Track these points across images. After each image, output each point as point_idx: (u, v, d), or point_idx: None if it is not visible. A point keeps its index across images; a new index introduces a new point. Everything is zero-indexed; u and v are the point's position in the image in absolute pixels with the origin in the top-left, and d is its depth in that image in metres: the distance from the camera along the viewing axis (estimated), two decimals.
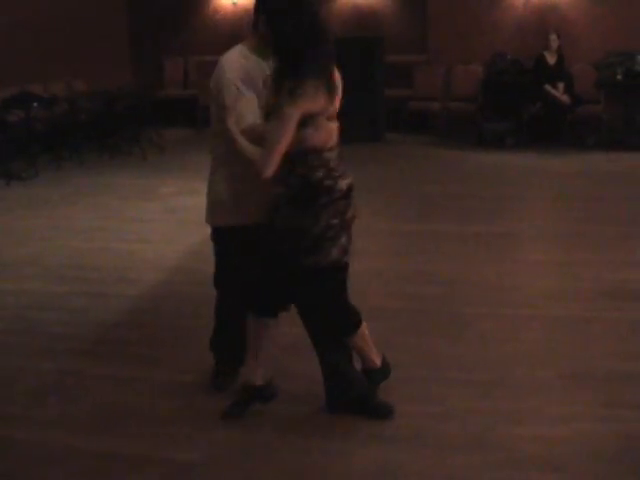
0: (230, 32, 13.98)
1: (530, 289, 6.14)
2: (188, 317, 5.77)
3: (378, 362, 4.36)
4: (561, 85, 11.98)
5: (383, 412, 4.25)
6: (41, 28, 12.55)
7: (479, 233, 7.64)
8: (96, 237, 7.95)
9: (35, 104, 11.25)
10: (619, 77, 11.76)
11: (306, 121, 3.75)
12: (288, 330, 4.62)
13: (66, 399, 4.63)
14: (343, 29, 12.82)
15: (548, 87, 11.92)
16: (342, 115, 3.95)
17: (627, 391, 4.47)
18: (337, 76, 3.87)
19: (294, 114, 3.69)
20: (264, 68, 4.14)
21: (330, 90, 3.79)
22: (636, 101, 12.05)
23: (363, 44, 12.38)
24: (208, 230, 4.45)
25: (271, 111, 3.84)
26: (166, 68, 15.21)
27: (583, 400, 4.40)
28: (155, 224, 8.39)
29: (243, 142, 3.91)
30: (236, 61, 4.08)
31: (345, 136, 4.02)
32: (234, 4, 14.69)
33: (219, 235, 4.39)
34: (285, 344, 4.87)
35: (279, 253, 3.98)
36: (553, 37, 11.94)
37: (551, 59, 12.04)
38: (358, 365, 4.36)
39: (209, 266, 4.53)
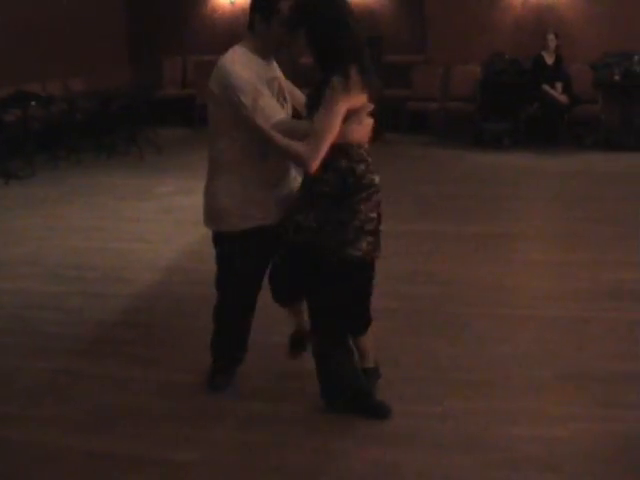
0: (228, 31, 13.96)
1: (528, 289, 6.14)
2: (185, 317, 5.76)
3: (373, 362, 4.37)
4: (559, 85, 11.98)
5: (381, 412, 4.25)
6: (39, 27, 12.53)
7: (477, 233, 7.64)
8: (93, 237, 7.94)
9: (32, 103, 11.23)
10: (617, 77, 11.76)
11: (349, 116, 3.81)
12: (287, 330, 4.62)
13: (63, 399, 4.63)
14: None
15: (546, 87, 11.92)
16: None
17: (625, 391, 4.47)
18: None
19: (342, 109, 3.76)
20: (266, 68, 4.13)
21: (369, 86, 3.84)
22: (634, 101, 12.05)
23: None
24: (205, 230, 4.43)
25: (310, 109, 3.88)
26: (164, 67, 15.18)
27: (580, 400, 4.40)
28: (152, 224, 8.38)
29: (280, 137, 3.83)
30: (244, 62, 4.03)
31: None
32: (232, 3, 14.68)
33: (222, 239, 4.34)
34: (283, 343, 4.86)
35: (316, 248, 4.00)
36: (551, 37, 11.94)
37: (549, 59, 12.04)
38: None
39: (206, 266, 4.53)
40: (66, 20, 13.15)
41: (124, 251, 7.40)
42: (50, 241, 7.81)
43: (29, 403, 4.61)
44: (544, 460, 3.84)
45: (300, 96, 4.44)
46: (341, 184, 3.89)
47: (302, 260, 4.06)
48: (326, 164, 3.84)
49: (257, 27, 4.05)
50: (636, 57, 11.70)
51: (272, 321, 4.92)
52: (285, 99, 4.25)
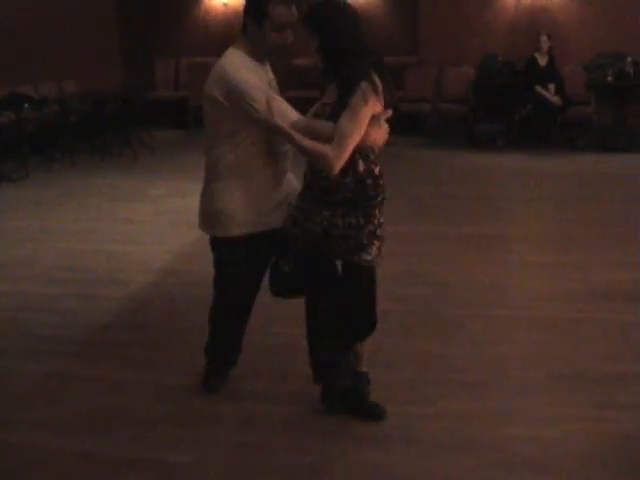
0: (221, 33, 13.98)
1: (521, 290, 6.15)
2: (179, 318, 5.76)
3: (366, 366, 4.37)
4: (552, 86, 11.99)
5: (376, 414, 4.26)
6: (31, 29, 12.51)
7: (470, 234, 7.65)
8: (87, 239, 7.93)
9: (26, 105, 11.21)
10: (609, 79, 11.78)
11: (371, 120, 3.85)
12: (283, 330, 4.62)
13: (56, 401, 4.62)
14: None
15: (539, 88, 11.93)
16: None
17: (618, 392, 4.48)
18: None
19: (369, 112, 3.80)
20: (263, 70, 4.12)
21: (388, 91, 3.90)
22: (626, 103, 12.08)
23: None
24: (199, 232, 4.42)
25: (330, 111, 3.88)
26: (157, 69, 15.17)
27: (574, 401, 4.41)
28: (146, 226, 8.38)
29: (302, 138, 3.80)
30: (247, 66, 4.00)
31: None
32: (225, 5, 14.67)
33: (220, 243, 4.31)
34: (280, 344, 4.87)
35: (328, 251, 4.02)
36: (544, 38, 11.95)
37: (542, 60, 12.05)
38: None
39: (200, 267, 4.53)
40: (59, 22, 13.13)
41: (118, 253, 7.40)
42: (44, 243, 7.81)
43: (22, 405, 4.61)
44: (538, 461, 3.86)
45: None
46: (361, 187, 3.91)
47: (309, 265, 4.07)
48: (345, 168, 3.86)
49: (249, 30, 4.04)
50: (629, 58, 11.71)
51: (267, 322, 4.93)
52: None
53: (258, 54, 4.06)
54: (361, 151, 3.89)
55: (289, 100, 4.42)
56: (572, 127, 12.17)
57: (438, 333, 5.38)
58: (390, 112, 3.96)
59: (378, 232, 3.99)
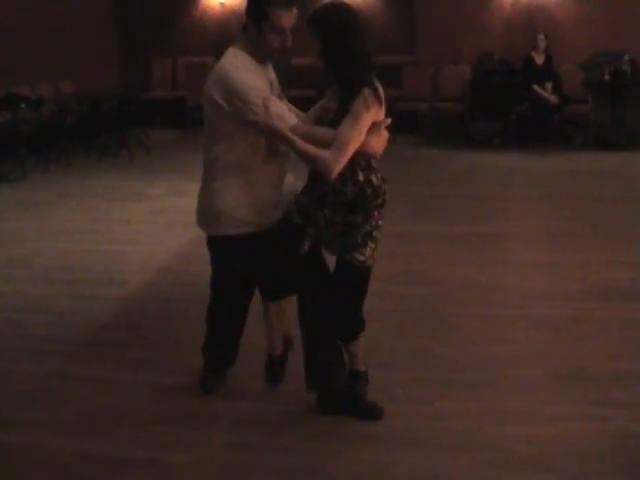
0: (218, 33, 13.98)
1: (519, 289, 6.15)
2: (176, 318, 5.76)
3: (364, 365, 4.36)
4: (549, 85, 11.99)
5: (373, 413, 4.26)
6: (28, 29, 12.50)
7: (468, 233, 7.65)
8: (84, 239, 7.92)
9: (22, 106, 11.21)
10: (606, 77, 11.79)
11: (371, 127, 3.86)
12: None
13: (54, 402, 4.62)
14: None
15: (536, 87, 11.93)
16: None
17: (615, 390, 4.49)
18: None
19: (370, 119, 3.82)
20: (265, 71, 4.11)
21: (383, 100, 3.91)
22: (623, 101, 12.09)
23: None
24: (196, 231, 4.42)
25: (332, 117, 3.88)
26: (154, 69, 15.16)
27: (572, 399, 4.41)
28: (143, 225, 8.37)
29: (301, 141, 3.81)
30: (247, 67, 3.99)
31: None
32: (222, 5, 14.67)
33: (218, 242, 4.31)
34: None
35: (324, 244, 4.07)
36: (541, 37, 11.95)
37: (539, 59, 12.06)
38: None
39: (197, 267, 4.54)
40: (55, 22, 13.12)
41: (115, 253, 7.40)
42: (41, 243, 7.80)
43: (21, 406, 4.60)
44: (536, 459, 3.86)
45: (293, 109, 4.43)
46: (360, 195, 3.92)
47: (304, 259, 4.08)
48: (344, 176, 3.87)
49: (249, 31, 4.03)
50: (626, 57, 11.72)
51: (262, 323, 4.92)
52: (282, 100, 4.25)
53: (258, 54, 4.05)
54: (361, 161, 3.90)
55: (289, 100, 4.43)
56: (569, 125, 12.18)
57: (435, 332, 5.38)
58: (389, 120, 3.97)
59: (374, 233, 3.99)
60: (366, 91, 3.78)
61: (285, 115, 3.93)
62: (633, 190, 9.19)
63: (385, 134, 3.98)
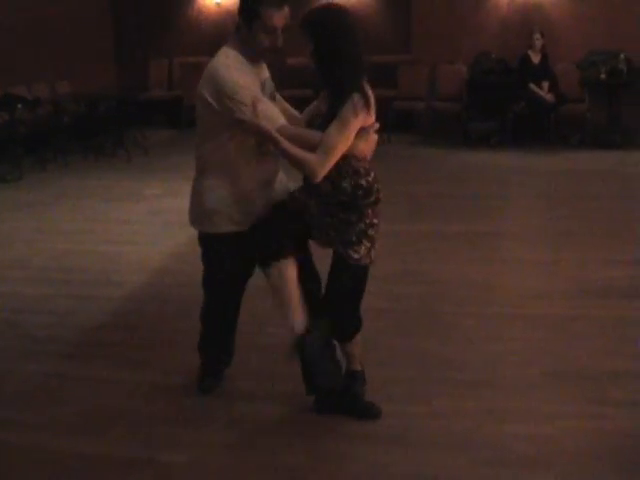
0: (214, 33, 13.95)
1: (516, 288, 6.16)
2: (173, 319, 5.76)
3: (360, 365, 4.36)
4: (546, 84, 12.00)
5: (371, 413, 4.26)
6: (24, 29, 12.49)
7: (464, 232, 7.66)
8: (81, 239, 7.92)
9: (19, 106, 11.20)
10: (603, 76, 11.79)
11: (359, 132, 3.85)
12: (278, 331, 4.61)
13: (52, 402, 4.62)
14: None
15: (533, 86, 11.94)
16: None
17: (613, 389, 4.49)
18: None
19: (358, 125, 3.82)
20: (257, 70, 4.11)
21: (373, 104, 3.90)
22: (620, 100, 12.09)
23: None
24: (193, 232, 4.42)
25: (321, 120, 3.89)
26: (150, 69, 15.15)
27: (569, 398, 4.42)
28: (140, 226, 8.38)
29: (287, 143, 3.80)
30: (238, 67, 3.99)
31: None
32: (218, 5, 14.66)
33: (208, 239, 4.33)
34: (272, 344, 4.87)
35: (317, 237, 4.08)
36: (537, 36, 11.96)
37: (535, 58, 12.07)
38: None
39: (194, 268, 4.53)
40: (52, 22, 13.11)
41: (113, 253, 7.40)
42: (39, 244, 7.80)
43: (20, 406, 4.60)
44: (533, 458, 3.86)
45: (290, 109, 4.43)
46: (352, 197, 3.92)
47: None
48: (334, 179, 3.88)
49: (242, 30, 4.03)
50: (622, 55, 11.72)
51: (262, 323, 4.94)
52: (275, 99, 4.25)
53: (251, 53, 4.05)
54: (350, 166, 3.89)
55: (285, 99, 4.43)
56: (566, 124, 12.18)
57: (433, 331, 5.39)
58: (378, 125, 3.97)
59: (370, 232, 3.99)
60: (355, 97, 3.77)
61: (273, 116, 3.93)
62: (629, 189, 9.20)
63: (374, 138, 3.98)
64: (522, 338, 5.24)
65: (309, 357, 4.13)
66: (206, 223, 4.25)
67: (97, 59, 14.49)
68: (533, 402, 4.38)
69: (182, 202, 4.34)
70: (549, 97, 11.94)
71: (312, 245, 4.21)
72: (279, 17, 3.93)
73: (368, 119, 3.86)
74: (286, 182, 4.33)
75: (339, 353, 4.33)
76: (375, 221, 4.02)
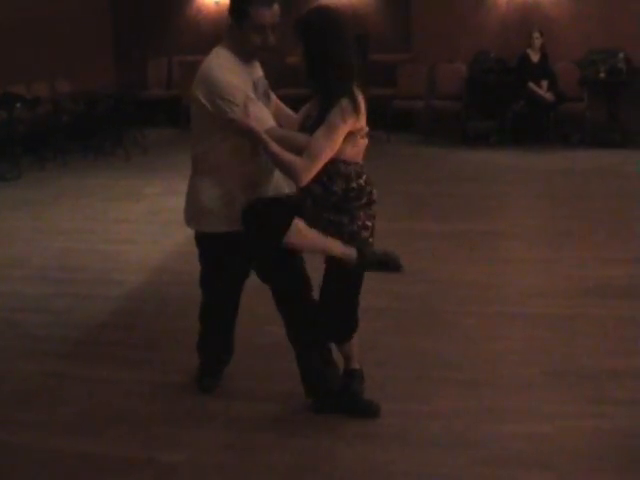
0: (213, 32, 13.92)
1: (515, 287, 6.15)
2: (173, 318, 5.76)
3: (358, 363, 4.36)
4: (545, 83, 12.00)
5: (370, 411, 4.26)
6: (24, 28, 12.48)
7: (464, 231, 7.65)
8: (81, 238, 7.92)
9: (18, 105, 11.19)
10: (602, 75, 11.79)
11: (347, 137, 3.82)
12: (277, 330, 4.61)
13: (51, 401, 4.62)
14: None
15: (532, 85, 11.94)
16: None
17: (612, 388, 4.49)
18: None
19: (346, 130, 3.78)
20: (250, 70, 4.11)
21: (364, 110, 3.86)
22: (619, 98, 12.09)
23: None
24: (192, 231, 4.43)
25: (311, 124, 3.87)
26: (149, 68, 15.14)
27: (569, 397, 4.42)
28: (139, 225, 8.37)
29: (275, 145, 3.80)
30: (230, 67, 3.99)
31: None
32: (217, 3, 14.65)
33: (205, 239, 4.33)
34: (271, 343, 4.87)
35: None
36: (536, 35, 11.96)
37: (535, 57, 12.07)
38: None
39: (194, 267, 4.52)
40: (51, 21, 13.10)
41: (112, 252, 7.40)
42: (38, 243, 7.80)
43: (19, 406, 4.60)
44: (533, 457, 3.86)
45: (285, 109, 4.43)
46: (342, 199, 3.90)
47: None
48: (324, 184, 3.86)
49: (233, 30, 4.04)
50: (621, 54, 11.73)
51: (261, 321, 4.93)
52: (269, 98, 4.25)
53: (243, 53, 4.05)
54: (339, 171, 3.86)
55: (282, 98, 4.43)
56: (565, 123, 12.18)
57: (432, 330, 5.39)
58: (367, 129, 3.93)
59: (362, 234, 3.96)
60: (344, 102, 3.75)
61: (263, 117, 3.93)
62: (629, 187, 9.19)
63: (363, 142, 3.95)
64: (522, 337, 5.24)
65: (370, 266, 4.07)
66: (202, 222, 4.26)
67: (96, 58, 14.48)
68: (533, 401, 4.38)
69: (181, 201, 4.34)
70: (548, 96, 11.94)
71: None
72: (269, 15, 3.93)
73: (357, 123, 3.83)
74: (282, 183, 4.32)
75: (335, 354, 4.33)
76: (368, 223, 3.99)
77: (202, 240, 4.36)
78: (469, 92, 12.68)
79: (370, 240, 4.02)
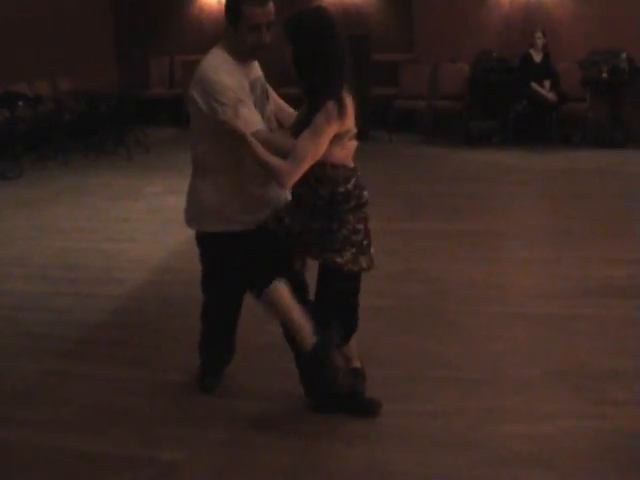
0: (215, 31, 13.91)
1: (516, 287, 6.15)
2: (174, 317, 5.76)
3: (359, 361, 4.35)
4: (547, 83, 12.00)
5: (371, 409, 4.26)
6: (26, 27, 12.49)
7: (465, 231, 7.65)
8: (82, 237, 7.92)
9: (20, 103, 11.21)
10: (604, 75, 11.78)
11: (334, 139, 3.80)
12: (277, 329, 4.60)
13: (52, 400, 4.62)
14: None
15: (534, 85, 11.94)
16: None
17: (613, 388, 4.48)
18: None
19: (331, 133, 3.75)
20: (247, 70, 4.10)
21: (352, 112, 3.84)
22: (621, 98, 12.09)
23: (349, 42, 12.33)
24: (193, 230, 4.43)
25: (299, 127, 3.86)
26: (151, 67, 15.15)
27: (570, 398, 4.41)
28: (141, 224, 8.37)
29: (260, 147, 3.79)
30: (226, 68, 3.98)
31: None
32: (219, 2, 14.64)
33: (206, 239, 4.33)
34: (271, 343, 4.86)
35: (302, 251, 4.02)
36: (539, 35, 11.95)
37: (537, 57, 12.06)
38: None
39: (195, 266, 4.52)
40: (53, 20, 13.11)
41: (113, 251, 7.40)
42: (39, 242, 7.80)
43: (19, 404, 4.60)
44: (534, 457, 3.85)
45: (287, 108, 4.43)
46: (332, 202, 3.88)
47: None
48: (311, 187, 3.86)
49: (228, 31, 4.03)
50: (623, 55, 11.72)
51: (261, 321, 4.92)
52: (267, 98, 4.25)
53: (240, 54, 4.05)
54: (326, 174, 3.85)
55: (283, 97, 4.43)
56: (567, 123, 12.17)
57: (434, 330, 5.38)
58: (355, 131, 3.90)
59: (354, 238, 3.92)
60: (330, 105, 3.72)
61: (252, 120, 3.91)
62: (631, 188, 9.18)
63: (352, 144, 3.92)
64: (523, 337, 5.24)
65: (326, 360, 4.08)
66: (203, 222, 4.26)
67: (98, 57, 14.48)
68: (534, 401, 4.38)
69: (183, 200, 4.34)
70: (551, 96, 11.94)
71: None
72: (263, 14, 3.92)
73: (344, 126, 3.79)
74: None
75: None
76: (359, 227, 3.95)
77: (203, 240, 4.36)
78: (471, 92, 12.69)
79: (365, 242, 3.99)
